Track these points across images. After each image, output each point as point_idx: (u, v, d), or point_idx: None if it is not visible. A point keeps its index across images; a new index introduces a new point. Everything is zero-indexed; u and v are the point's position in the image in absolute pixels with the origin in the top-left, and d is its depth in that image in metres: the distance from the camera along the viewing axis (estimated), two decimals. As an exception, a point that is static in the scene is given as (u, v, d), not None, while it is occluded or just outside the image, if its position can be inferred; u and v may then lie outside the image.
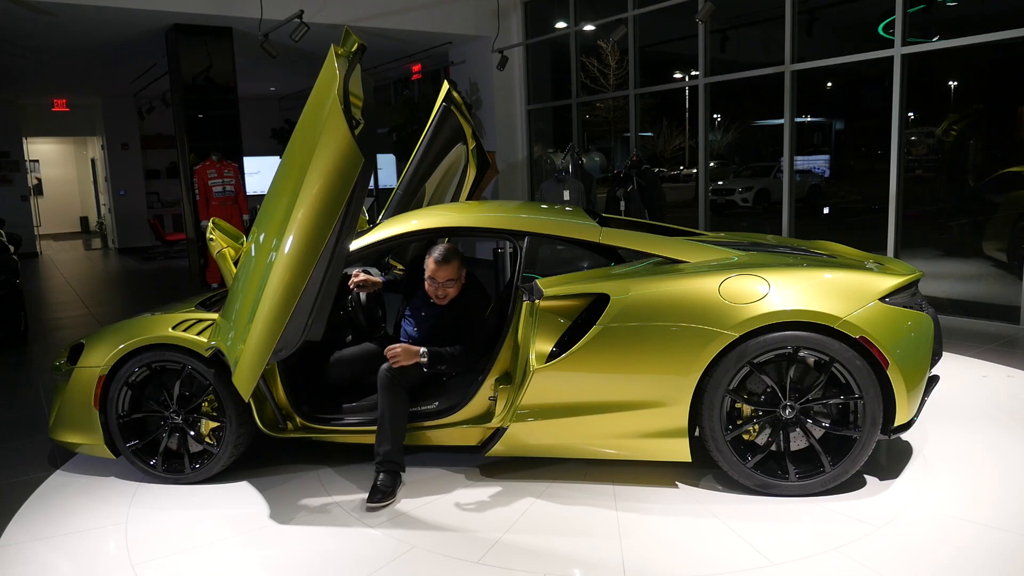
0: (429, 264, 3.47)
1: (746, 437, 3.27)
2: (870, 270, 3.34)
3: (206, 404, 3.59)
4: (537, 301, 3.26)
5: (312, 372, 3.74)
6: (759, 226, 12.75)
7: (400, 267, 4.63)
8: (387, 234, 3.59)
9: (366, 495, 3.36)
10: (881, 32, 7.24)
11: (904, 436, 3.75)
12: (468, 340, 3.57)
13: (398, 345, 3.39)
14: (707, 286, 3.17)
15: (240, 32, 9.60)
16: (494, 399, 3.42)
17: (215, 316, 3.58)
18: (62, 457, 4.02)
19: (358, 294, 4.01)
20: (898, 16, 6.71)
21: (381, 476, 3.33)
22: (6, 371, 6.13)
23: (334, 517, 3.22)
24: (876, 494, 3.19)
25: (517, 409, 3.27)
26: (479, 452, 3.47)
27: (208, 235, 3.68)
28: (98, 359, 3.57)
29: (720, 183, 15.41)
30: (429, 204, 4.44)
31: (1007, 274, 7.26)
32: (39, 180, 20.77)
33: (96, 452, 3.67)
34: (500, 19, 10.68)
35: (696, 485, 3.34)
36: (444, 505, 3.24)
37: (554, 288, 3.27)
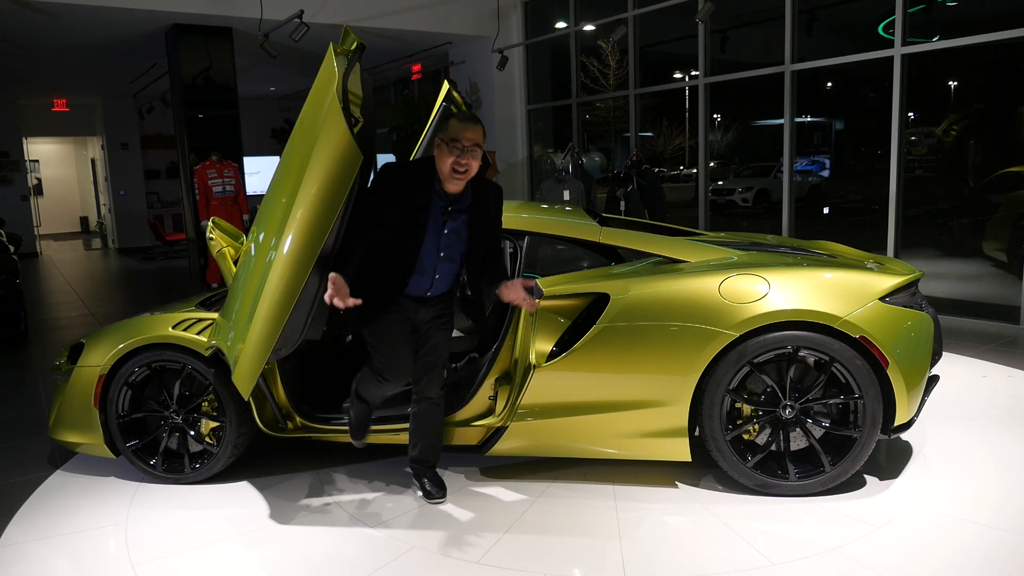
0: (451, 126, 2.96)
1: (746, 437, 3.27)
2: (870, 270, 3.34)
3: (206, 404, 3.59)
4: (537, 301, 3.26)
5: (312, 372, 3.74)
6: (759, 226, 12.76)
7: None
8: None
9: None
10: (881, 32, 7.24)
11: (904, 436, 3.75)
12: (498, 245, 3.19)
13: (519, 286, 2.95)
14: (707, 286, 3.17)
15: (240, 32, 9.60)
16: (494, 399, 3.42)
17: (215, 316, 3.58)
18: (62, 457, 4.02)
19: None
20: (898, 16, 6.71)
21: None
22: (6, 371, 6.13)
23: (334, 517, 3.22)
24: (876, 494, 3.19)
25: (517, 409, 3.27)
26: (479, 452, 3.46)
27: (208, 234, 3.68)
28: (98, 359, 3.57)
29: (720, 183, 15.42)
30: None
31: (1007, 274, 7.26)
32: (39, 180, 20.77)
33: (96, 452, 3.67)
34: (500, 19, 10.68)
35: (696, 485, 3.34)
36: (444, 505, 3.24)
37: (554, 288, 3.27)
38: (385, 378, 3.11)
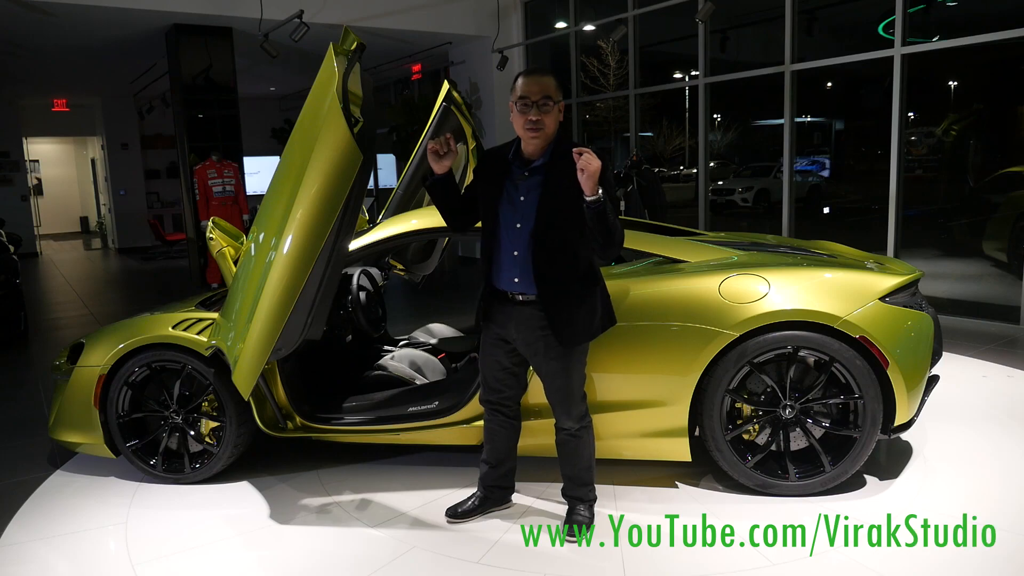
0: (516, 85, 2.72)
1: (746, 437, 3.27)
2: (870, 270, 3.34)
3: (206, 404, 3.59)
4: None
5: (312, 372, 3.74)
6: (759, 226, 12.76)
7: (400, 267, 4.63)
8: (387, 234, 3.59)
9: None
10: (881, 32, 7.24)
11: (904, 436, 3.75)
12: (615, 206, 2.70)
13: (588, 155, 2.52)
14: (707, 285, 3.17)
15: (240, 32, 9.60)
16: (494, 399, 3.41)
17: (215, 315, 3.58)
18: (62, 457, 4.02)
19: (358, 294, 4.01)
20: (898, 16, 6.71)
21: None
22: (6, 371, 6.13)
23: (334, 517, 3.22)
24: (876, 494, 3.19)
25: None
26: (479, 452, 3.46)
27: (208, 234, 3.68)
28: (98, 358, 3.57)
29: (720, 183, 15.42)
30: (429, 204, 4.44)
31: (1007, 274, 7.26)
32: (39, 180, 20.77)
33: (96, 452, 3.67)
34: (500, 19, 10.68)
35: (696, 485, 3.34)
36: (444, 505, 3.23)
37: (554, 288, 3.26)
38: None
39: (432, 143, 2.74)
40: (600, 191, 2.56)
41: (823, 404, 3.18)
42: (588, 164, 2.49)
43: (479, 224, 2.94)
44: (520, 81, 2.72)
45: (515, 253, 2.77)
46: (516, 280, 2.80)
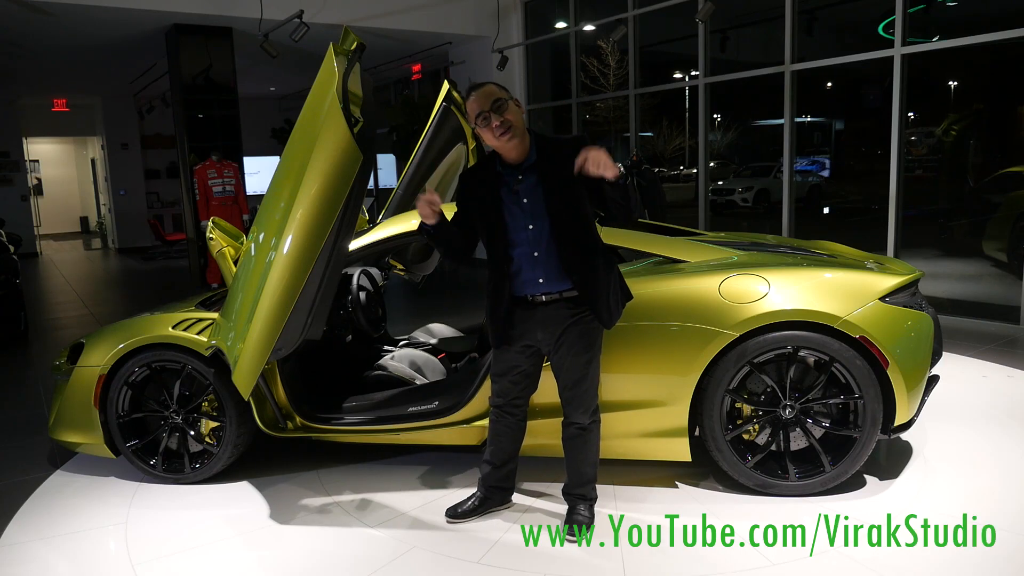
0: (468, 106, 2.80)
1: (746, 437, 3.27)
2: (870, 270, 3.34)
3: (206, 404, 3.59)
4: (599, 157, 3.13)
5: (312, 372, 3.74)
6: (759, 226, 12.75)
7: (400, 267, 4.63)
8: (387, 234, 3.59)
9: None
10: (881, 32, 7.24)
11: (904, 436, 3.75)
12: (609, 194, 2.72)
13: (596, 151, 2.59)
14: (707, 285, 3.17)
15: (240, 32, 9.61)
16: (494, 399, 3.41)
17: (215, 315, 3.58)
18: (62, 457, 4.02)
19: (358, 294, 4.01)
20: (898, 16, 6.71)
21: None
22: (6, 371, 6.13)
23: (334, 517, 3.22)
24: (876, 494, 3.19)
25: (517, 409, 3.26)
26: (479, 452, 3.46)
27: (208, 234, 3.68)
28: (98, 358, 3.57)
29: (720, 183, 15.42)
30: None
31: (1007, 274, 7.26)
32: (39, 180, 20.78)
33: (96, 452, 3.67)
34: (500, 19, 10.68)
35: (696, 485, 3.34)
36: (444, 505, 3.23)
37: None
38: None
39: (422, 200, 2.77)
40: (619, 166, 2.62)
41: (823, 404, 3.18)
42: (601, 161, 2.56)
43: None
44: (470, 100, 2.80)
45: (535, 254, 2.81)
46: (541, 281, 2.82)
